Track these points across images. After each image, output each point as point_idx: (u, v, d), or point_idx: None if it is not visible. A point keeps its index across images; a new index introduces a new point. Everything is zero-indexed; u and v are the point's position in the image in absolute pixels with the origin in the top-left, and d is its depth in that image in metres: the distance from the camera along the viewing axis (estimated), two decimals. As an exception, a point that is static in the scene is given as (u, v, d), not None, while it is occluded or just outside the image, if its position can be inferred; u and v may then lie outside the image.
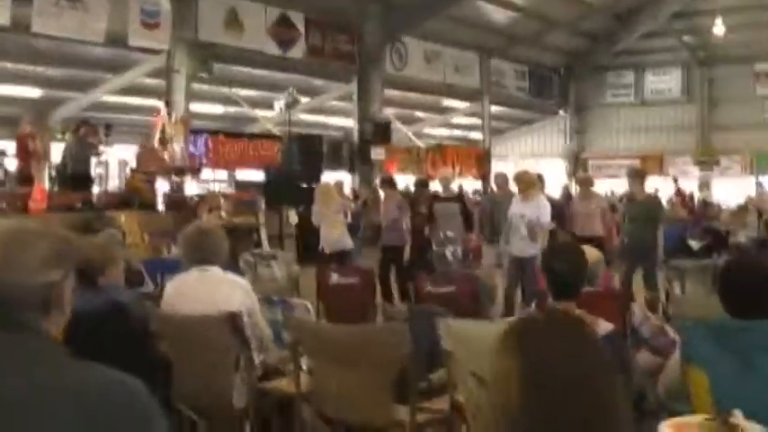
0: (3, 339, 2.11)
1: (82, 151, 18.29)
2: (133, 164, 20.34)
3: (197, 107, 23.30)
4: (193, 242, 5.78)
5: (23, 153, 17.43)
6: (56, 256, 2.23)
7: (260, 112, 26.76)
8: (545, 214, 12.30)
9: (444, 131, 38.46)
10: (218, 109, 28.33)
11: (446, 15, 27.95)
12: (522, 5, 30.81)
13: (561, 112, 39.76)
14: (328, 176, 22.95)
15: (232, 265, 6.41)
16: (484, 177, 32.35)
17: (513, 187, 13.58)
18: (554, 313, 4.05)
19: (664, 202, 19.36)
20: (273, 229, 18.33)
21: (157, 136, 20.24)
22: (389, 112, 29.39)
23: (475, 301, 7.34)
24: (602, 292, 5.97)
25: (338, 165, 26.81)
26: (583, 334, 2.27)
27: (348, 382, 4.97)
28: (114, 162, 21.78)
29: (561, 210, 15.15)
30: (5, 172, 18.54)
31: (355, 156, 27.30)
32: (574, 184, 35.49)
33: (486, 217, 15.00)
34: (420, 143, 32.42)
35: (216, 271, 5.68)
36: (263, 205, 19.40)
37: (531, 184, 12.66)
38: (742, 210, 21.64)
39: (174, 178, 20.45)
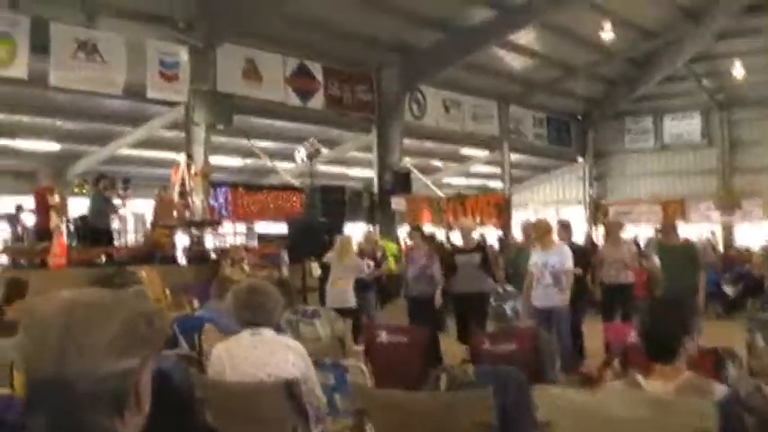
0: None
1: (102, 205, 18.05)
2: (150, 217, 20.09)
3: (215, 159, 22.93)
4: (246, 301, 5.28)
5: (42, 207, 17.23)
6: (131, 337, 1.70)
7: (279, 164, 26.43)
8: (568, 261, 11.91)
9: (463, 180, 38.12)
10: (236, 161, 28.11)
11: (464, 63, 27.63)
12: (539, 52, 30.51)
13: (580, 158, 39.32)
14: (349, 228, 22.62)
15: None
16: (504, 226, 31.88)
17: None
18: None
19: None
20: (296, 282, 17.89)
21: (177, 189, 19.92)
22: (408, 161, 29.02)
23: (537, 359, 6.84)
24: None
25: (358, 216, 26.37)
26: None
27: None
28: (131, 216, 21.55)
29: (586, 256, 14.66)
30: (23, 227, 18.31)
31: (375, 206, 26.86)
32: (594, 231, 35.20)
33: (512, 267, 14.56)
34: (440, 193, 32.03)
35: (269, 333, 5.21)
36: (286, 258, 19.03)
37: (547, 231, 12.30)
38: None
39: (195, 231, 20.15)
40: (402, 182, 27.19)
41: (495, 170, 35.80)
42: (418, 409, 4.66)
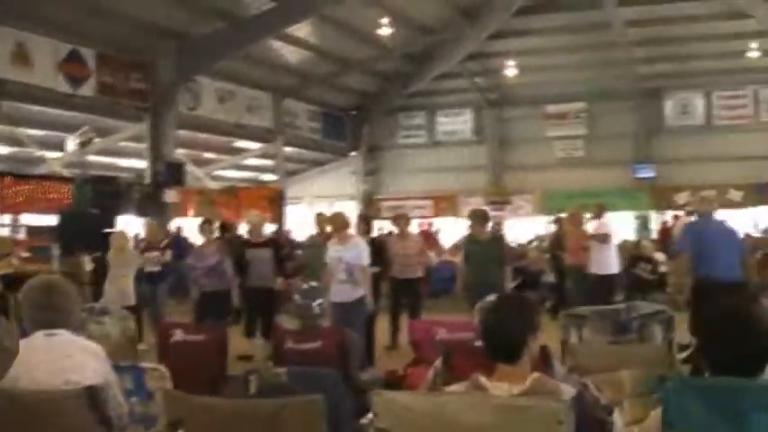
0: None
1: None
2: None
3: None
4: (40, 301, 4.70)
5: None
6: None
7: (48, 153, 25.30)
8: (364, 256, 11.76)
9: (236, 173, 37.61)
10: (2, 150, 26.69)
11: (241, 55, 27.19)
12: (316, 46, 30.41)
13: (354, 153, 39.46)
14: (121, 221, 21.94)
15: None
16: (276, 219, 31.60)
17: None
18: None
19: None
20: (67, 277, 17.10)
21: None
22: (181, 152, 28.31)
23: (343, 357, 6.58)
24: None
25: (130, 208, 25.49)
26: None
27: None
28: None
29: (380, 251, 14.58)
30: None
31: (148, 198, 26.03)
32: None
33: (308, 261, 14.33)
34: (213, 185, 31.49)
35: (66, 335, 4.69)
36: (56, 251, 18.25)
37: (345, 225, 12.12)
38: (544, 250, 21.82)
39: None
40: (175, 174, 26.49)
41: (269, 163, 35.62)
42: (241, 416, 4.28)
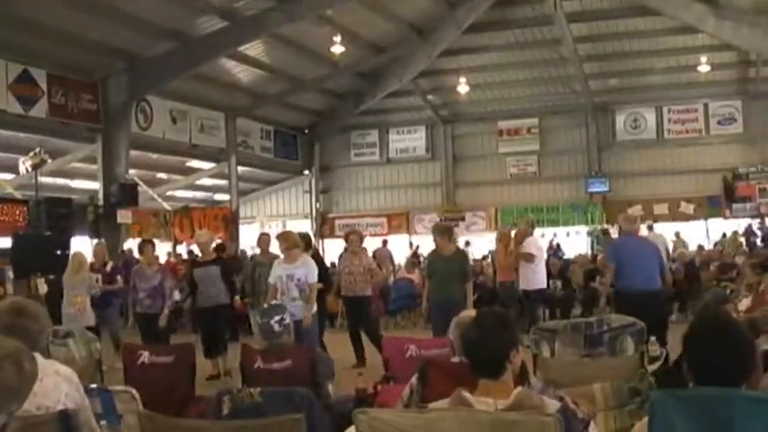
0: None
1: None
2: None
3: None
4: (8, 324, 4.59)
5: None
6: None
7: (1, 175, 25.01)
8: (313, 274, 11.77)
9: (189, 193, 37.36)
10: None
11: (193, 74, 27.06)
12: (268, 64, 30.32)
13: (307, 171, 39.40)
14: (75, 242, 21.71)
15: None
16: (231, 239, 31.46)
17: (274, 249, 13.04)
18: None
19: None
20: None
21: None
22: (134, 173, 28.06)
23: (313, 376, 6.53)
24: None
25: (83, 229, 25.21)
26: None
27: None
28: None
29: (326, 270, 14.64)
30: None
31: (101, 219, 25.77)
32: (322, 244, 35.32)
33: (250, 281, 14.20)
34: (166, 206, 31.24)
35: (37, 359, 4.59)
36: (11, 274, 18.05)
37: (295, 243, 12.07)
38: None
39: None
40: (128, 194, 26.26)
41: (222, 183, 35.37)
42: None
